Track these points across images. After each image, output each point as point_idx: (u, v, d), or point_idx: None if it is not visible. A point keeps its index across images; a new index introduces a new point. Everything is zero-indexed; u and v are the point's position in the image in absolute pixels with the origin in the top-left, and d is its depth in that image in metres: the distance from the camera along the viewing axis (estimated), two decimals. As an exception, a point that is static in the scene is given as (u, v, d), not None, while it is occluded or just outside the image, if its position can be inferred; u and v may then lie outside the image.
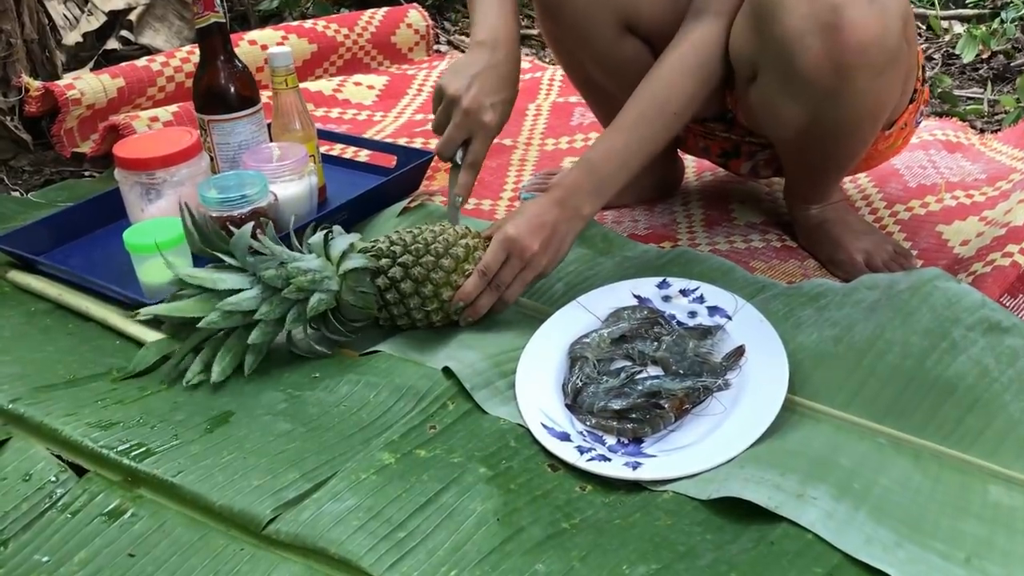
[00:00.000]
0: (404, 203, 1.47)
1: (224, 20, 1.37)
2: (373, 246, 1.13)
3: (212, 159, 1.41)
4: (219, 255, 1.10)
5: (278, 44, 2.09)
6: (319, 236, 1.12)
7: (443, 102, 1.22)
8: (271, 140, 1.45)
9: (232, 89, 1.38)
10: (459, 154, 1.25)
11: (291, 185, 1.36)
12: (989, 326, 1.04)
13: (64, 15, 2.30)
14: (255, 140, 1.42)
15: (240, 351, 1.07)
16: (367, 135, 1.90)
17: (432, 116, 1.26)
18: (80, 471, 0.93)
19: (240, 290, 1.06)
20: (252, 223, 1.16)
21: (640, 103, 1.17)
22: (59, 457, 0.95)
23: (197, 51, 1.39)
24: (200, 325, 1.04)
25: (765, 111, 1.24)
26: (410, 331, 1.15)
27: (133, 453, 0.93)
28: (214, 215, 1.27)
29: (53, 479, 0.92)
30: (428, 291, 1.10)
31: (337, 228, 1.15)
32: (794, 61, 1.10)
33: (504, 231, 1.11)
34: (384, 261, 1.10)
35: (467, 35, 2.69)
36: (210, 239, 1.11)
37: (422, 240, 1.11)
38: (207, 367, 1.07)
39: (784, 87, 1.15)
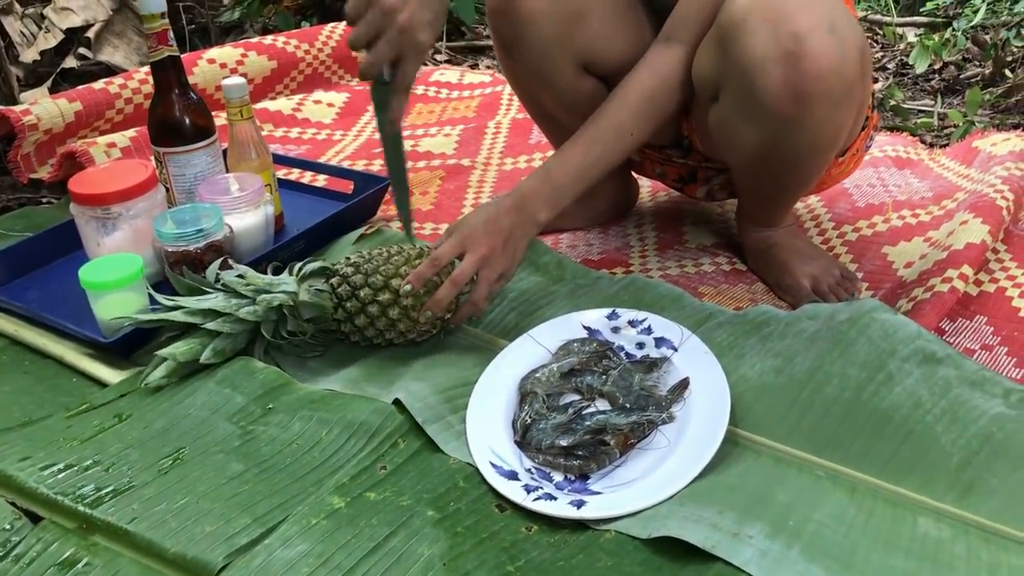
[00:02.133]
0: (361, 230, 1.49)
1: (178, 53, 1.37)
2: (334, 264, 1.19)
3: (168, 190, 1.42)
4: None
5: (237, 62, 2.09)
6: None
7: (372, 10, 1.03)
8: (227, 170, 1.46)
9: (187, 121, 1.39)
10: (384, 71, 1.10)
11: (247, 216, 1.38)
12: (924, 357, 1.07)
13: (21, 32, 2.29)
14: (211, 171, 1.43)
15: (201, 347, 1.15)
16: (327, 155, 1.91)
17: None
18: (35, 518, 0.95)
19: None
20: (221, 259, 1.21)
21: (601, 121, 1.20)
22: (13, 504, 0.96)
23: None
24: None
25: (723, 134, 1.26)
26: (364, 361, 1.18)
27: (88, 499, 0.95)
28: (170, 250, 1.28)
29: (7, 527, 0.93)
30: (386, 299, 1.14)
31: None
32: (755, 86, 1.13)
33: (460, 228, 1.15)
34: (348, 269, 1.16)
35: (429, 47, 2.70)
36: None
37: (384, 253, 1.18)
38: (170, 373, 1.14)
39: (743, 111, 1.18)
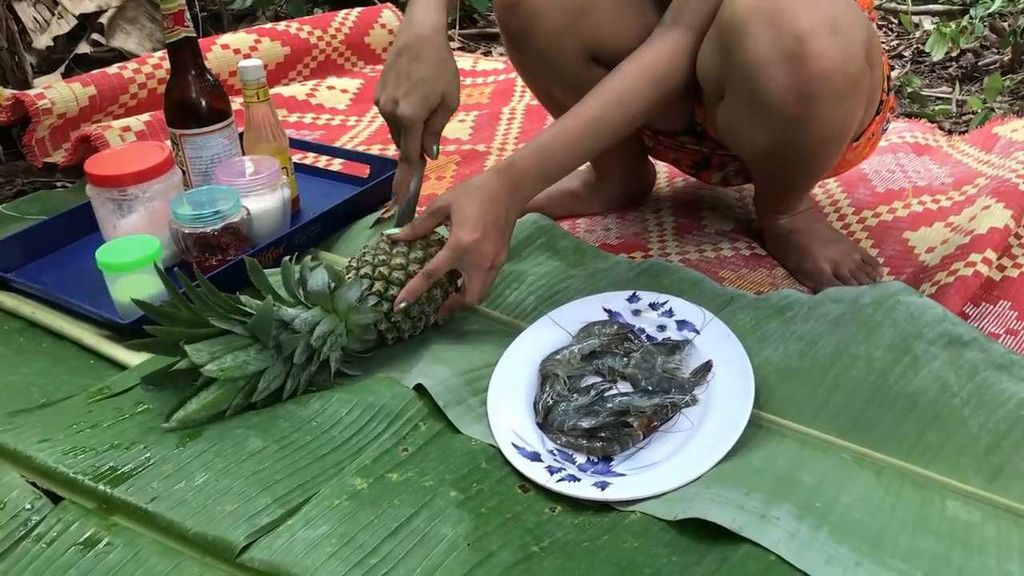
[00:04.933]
0: (377, 214, 1.48)
1: (194, 35, 1.36)
2: (371, 286, 1.11)
3: (184, 173, 1.41)
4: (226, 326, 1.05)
5: (251, 48, 2.09)
6: (319, 284, 1.09)
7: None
8: (243, 153, 1.45)
9: (203, 103, 1.38)
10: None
11: (264, 199, 1.37)
12: (950, 340, 1.06)
13: (34, 18, 2.29)
14: (227, 153, 1.42)
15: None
16: (341, 141, 1.90)
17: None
18: (55, 498, 0.94)
19: (263, 368, 1.04)
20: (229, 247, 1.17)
21: (602, 99, 1.17)
22: (34, 484, 0.95)
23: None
24: (229, 415, 1.04)
25: (731, 131, 1.26)
26: (381, 346, 1.17)
27: (107, 478, 0.94)
28: (187, 231, 1.27)
29: (28, 507, 0.92)
30: (416, 312, 1.14)
31: (329, 267, 1.12)
32: (759, 89, 1.12)
33: (458, 237, 1.09)
34: (385, 306, 1.12)
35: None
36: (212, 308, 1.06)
37: (409, 272, 1.13)
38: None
39: (750, 111, 1.17)
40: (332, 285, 1.10)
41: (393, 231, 1.17)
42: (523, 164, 1.15)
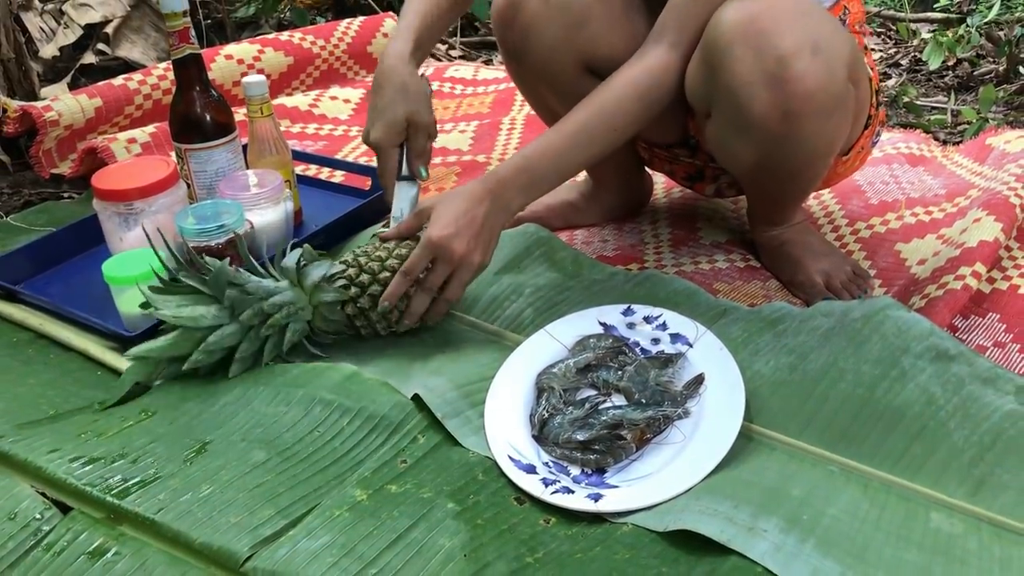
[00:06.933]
0: (378, 226, 1.50)
1: (199, 51, 1.39)
2: (344, 271, 1.18)
3: (189, 186, 1.44)
4: (193, 284, 1.14)
5: (254, 58, 2.11)
6: (291, 260, 1.18)
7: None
8: (247, 166, 1.47)
9: (208, 118, 1.41)
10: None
11: (267, 212, 1.40)
12: (937, 354, 1.08)
13: (40, 28, 2.32)
14: (231, 167, 1.45)
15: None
16: (343, 151, 1.93)
17: None
18: (64, 508, 0.97)
19: (219, 325, 1.12)
20: (228, 257, 1.21)
21: (586, 113, 1.19)
22: (43, 494, 0.98)
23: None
24: (186, 367, 1.11)
25: (720, 148, 1.28)
26: (380, 356, 1.20)
27: (115, 490, 0.97)
28: (192, 245, 1.30)
29: (38, 516, 0.95)
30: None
31: (307, 249, 1.20)
32: (742, 109, 1.15)
33: (429, 233, 1.14)
34: (353, 291, 1.17)
35: (442, 43, 2.72)
36: (185, 267, 1.16)
37: (386, 265, 1.18)
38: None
39: (735, 129, 1.20)
40: (303, 263, 1.17)
41: (383, 230, 1.23)
42: (504, 173, 1.18)
